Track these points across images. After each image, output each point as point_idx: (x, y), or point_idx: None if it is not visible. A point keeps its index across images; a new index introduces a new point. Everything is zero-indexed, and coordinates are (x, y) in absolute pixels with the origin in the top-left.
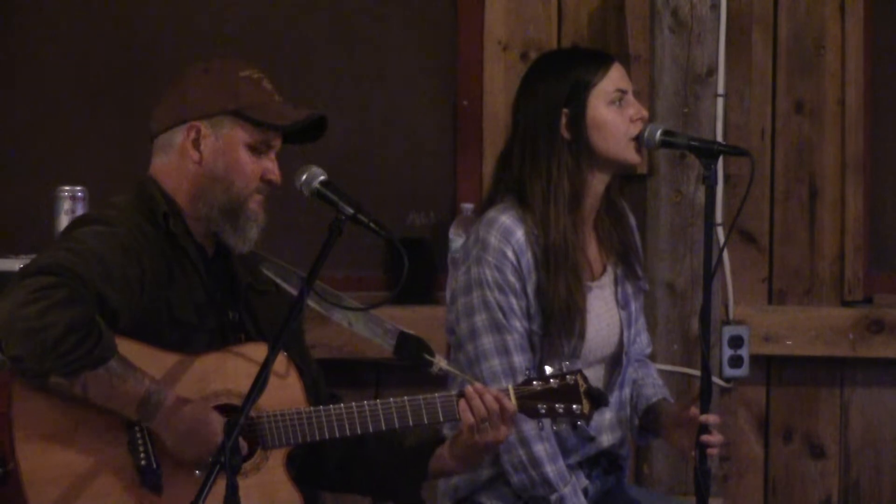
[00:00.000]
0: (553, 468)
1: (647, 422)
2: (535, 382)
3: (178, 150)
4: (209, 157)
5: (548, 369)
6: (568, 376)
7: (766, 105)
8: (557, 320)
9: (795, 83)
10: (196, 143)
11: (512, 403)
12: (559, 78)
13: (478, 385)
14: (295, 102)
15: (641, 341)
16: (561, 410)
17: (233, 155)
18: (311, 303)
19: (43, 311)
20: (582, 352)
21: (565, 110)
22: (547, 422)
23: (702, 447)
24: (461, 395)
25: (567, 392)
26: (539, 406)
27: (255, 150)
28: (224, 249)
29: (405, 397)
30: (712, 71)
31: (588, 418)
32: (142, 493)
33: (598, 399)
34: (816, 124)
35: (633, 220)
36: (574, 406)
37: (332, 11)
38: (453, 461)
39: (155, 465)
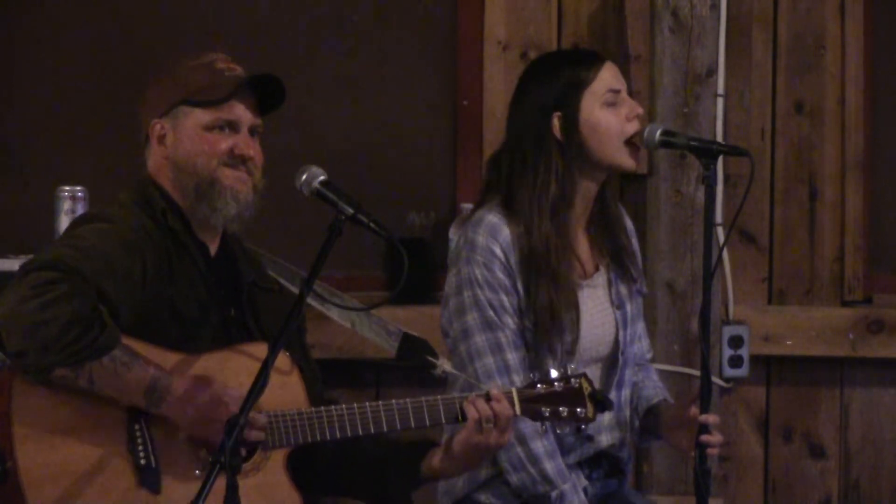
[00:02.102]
0: (552, 465)
1: (647, 423)
2: (538, 385)
3: (154, 152)
4: (172, 149)
5: (552, 372)
6: (572, 379)
7: (766, 105)
8: (544, 323)
9: (795, 83)
10: (161, 140)
11: (509, 409)
12: (550, 80)
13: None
14: (252, 71)
15: (642, 346)
16: (564, 414)
17: (194, 140)
18: (313, 303)
19: (44, 306)
20: (577, 350)
21: (558, 113)
22: (550, 425)
23: (702, 447)
24: (464, 398)
25: (571, 395)
26: (542, 409)
27: (219, 129)
28: (228, 247)
29: (407, 399)
30: (712, 71)
31: (592, 421)
32: (140, 492)
33: (602, 403)
34: (816, 124)
35: (629, 224)
36: (578, 409)
37: (332, 11)
38: (447, 462)
39: (154, 465)
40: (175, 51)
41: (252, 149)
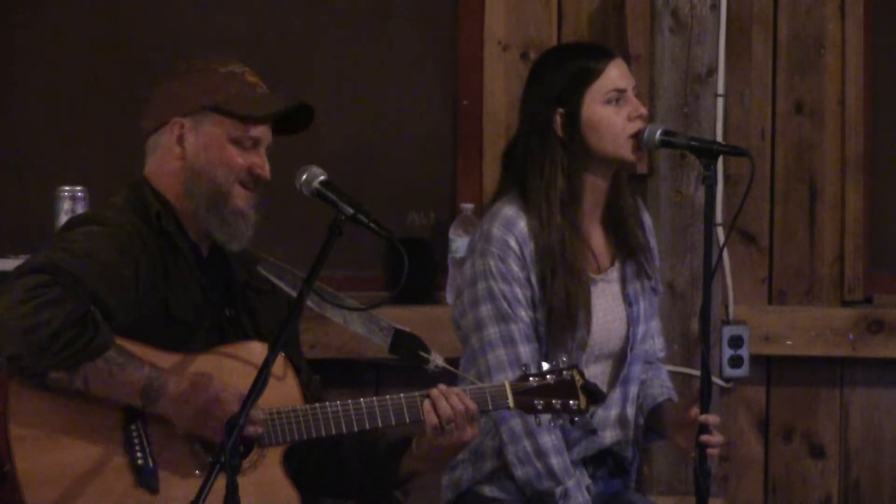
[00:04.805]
0: (559, 460)
1: (651, 422)
2: (531, 378)
3: (164, 149)
4: (192, 153)
5: (544, 365)
6: (564, 372)
7: (766, 105)
8: (560, 316)
9: (795, 83)
10: (180, 140)
11: (473, 403)
12: (555, 76)
13: (442, 386)
14: (278, 93)
15: (655, 344)
16: (558, 406)
17: (215, 149)
18: (309, 303)
19: (37, 309)
20: (588, 345)
21: (560, 110)
22: (545, 417)
23: (702, 447)
24: (426, 395)
25: (563, 387)
26: (536, 402)
27: (240, 144)
28: (220, 248)
29: (374, 398)
30: (712, 71)
31: (585, 413)
32: (138, 492)
33: (594, 395)
34: (816, 124)
35: (648, 221)
36: (571, 402)
37: (332, 11)
38: (419, 462)
39: (152, 465)
40: (176, 50)
41: (267, 171)
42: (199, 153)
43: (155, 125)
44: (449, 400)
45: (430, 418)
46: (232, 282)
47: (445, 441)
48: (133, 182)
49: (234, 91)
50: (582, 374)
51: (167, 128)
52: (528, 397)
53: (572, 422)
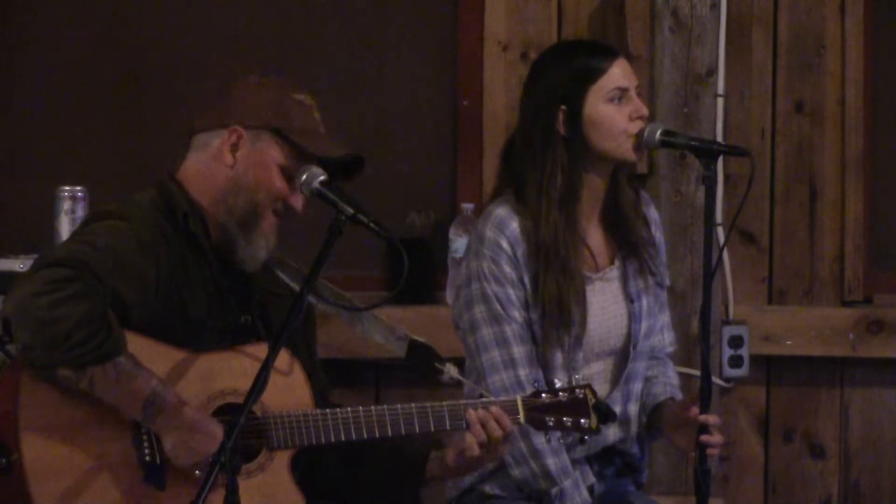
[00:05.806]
0: (555, 461)
1: (653, 420)
2: (543, 395)
3: (214, 151)
4: (241, 165)
5: (557, 382)
6: (577, 390)
7: (766, 105)
8: (552, 314)
9: (795, 83)
10: (234, 148)
11: (511, 424)
12: (559, 73)
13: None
14: (336, 139)
15: (664, 339)
16: (569, 424)
17: (263, 169)
18: (325, 307)
19: (54, 304)
20: (584, 343)
21: (563, 107)
22: (555, 434)
23: (702, 447)
24: (468, 406)
25: (575, 406)
26: (547, 419)
27: (287, 172)
28: None
29: (412, 404)
30: (712, 71)
31: (596, 432)
32: (145, 488)
33: (606, 414)
34: (816, 124)
35: (654, 215)
36: (582, 420)
37: (332, 11)
38: (450, 466)
39: (159, 462)
40: (176, 51)
41: (301, 209)
42: (247, 168)
43: (210, 125)
44: (491, 413)
45: (476, 430)
46: (251, 286)
47: (480, 451)
48: (161, 179)
49: (300, 121)
50: (594, 393)
51: (224, 132)
52: (539, 414)
53: (583, 440)
